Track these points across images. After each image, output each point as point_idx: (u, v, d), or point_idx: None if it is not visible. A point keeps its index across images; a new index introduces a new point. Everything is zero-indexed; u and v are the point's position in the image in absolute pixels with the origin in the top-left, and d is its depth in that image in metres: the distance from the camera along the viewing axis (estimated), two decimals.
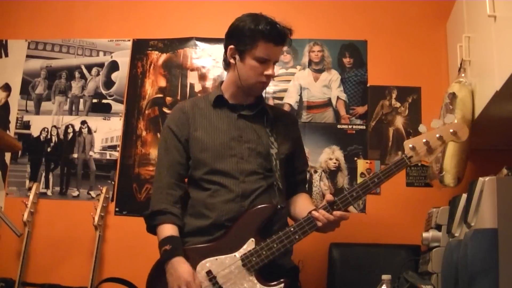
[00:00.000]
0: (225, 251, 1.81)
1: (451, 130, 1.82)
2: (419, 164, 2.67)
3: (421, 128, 1.86)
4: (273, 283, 1.79)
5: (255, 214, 1.84)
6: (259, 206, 1.86)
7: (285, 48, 2.88)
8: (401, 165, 1.83)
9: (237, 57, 1.93)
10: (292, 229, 1.79)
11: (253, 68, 1.91)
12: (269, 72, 1.91)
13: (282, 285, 1.78)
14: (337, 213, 1.79)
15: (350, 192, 1.81)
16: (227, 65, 2.02)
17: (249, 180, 1.89)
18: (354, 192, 1.81)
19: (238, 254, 1.80)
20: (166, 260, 1.81)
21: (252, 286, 1.77)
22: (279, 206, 1.87)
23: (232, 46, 1.94)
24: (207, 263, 1.81)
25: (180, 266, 1.78)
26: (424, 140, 1.82)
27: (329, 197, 1.82)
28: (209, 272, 1.79)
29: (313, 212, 1.80)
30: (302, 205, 2.00)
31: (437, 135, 1.82)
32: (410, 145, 1.83)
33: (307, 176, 2.27)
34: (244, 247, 1.80)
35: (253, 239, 1.81)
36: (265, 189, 1.90)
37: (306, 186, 2.21)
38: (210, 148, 1.93)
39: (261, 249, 1.78)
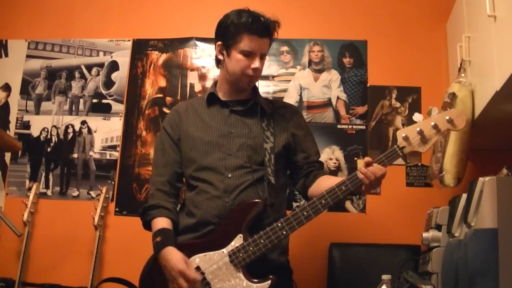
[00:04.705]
0: (214, 247, 1.81)
1: (447, 118, 1.73)
2: (419, 164, 2.67)
3: (416, 116, 1.77)
4: (260, 280, 1.77)
5: (244, 210, 1.84)
6: (249, 202, 1.85)
7: (285, 48, 2.91)
8: (392, 156, 1.76)
9: (224, 52, 1.96)
10: (279, 224, 1.78)
11: (239, 62, 1.91)
12: (255, 65, 1.91)
13: (269, 281, 1.76)
14: (375, 165, 1.73)
15: (339, 186, 1.76)
16: (218, 63, 2.04)
17: (235, 175, 1.89)
18: (343, 186, 1.76)
19: (226, 250, 1.80)
20: (157, 252, 1.82)
21: (239, 283, 1.77)
22: (268, 203, 1.85)
23: (219, 43, 1.98)
24: (197, 259, 1.81)
25: (170, 256, 1.78)
26: (418, 129, 1.74)
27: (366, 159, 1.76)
28: (197, 268, 1.79)
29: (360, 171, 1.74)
30: (328, 181, 1.89)
31: (432, 124, 1.73)
32: (403, 135, 1.75)
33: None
34: (232, 243, 1.80)
35: (241, 235, 1.80)
36: (251, 183, 1.89)
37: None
38: (199, 146, 1.95)
39: (248, 245, 1.78)
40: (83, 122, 2.95)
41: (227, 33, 1.92)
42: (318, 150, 2.11)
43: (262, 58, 1.94)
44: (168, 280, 1.79)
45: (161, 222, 1.89)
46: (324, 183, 1.90)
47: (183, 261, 1.76)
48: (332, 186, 1.78)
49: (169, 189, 1.97)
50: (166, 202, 1.94)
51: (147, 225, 1.94)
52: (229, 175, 1.89)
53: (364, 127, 2.77)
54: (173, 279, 1.76)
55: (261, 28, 1.90)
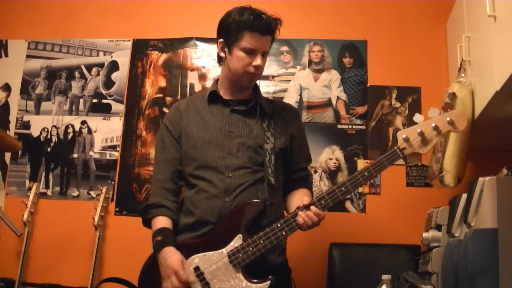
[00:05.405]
0: (213, 247, 1.81)
1: (448, 119, 1.73)
2: (419, 164, 2.67)
3: (417, 117, 1.77)
4: (259, 280, 1.77)
5: (244, 210, 1.83)
6: (248, 202, 1.84)
7: (285, 48, 2.91)
8: (393, 157, 1.77)
9: (226, 50, 1.95)
10: (279, 225, 1.78)
11: (240, 60, 1.90)
12: (256, 63, 1.90)
13: (269, 282, 1.76)
14: (313, 208, 1.76)
15: (339, 187, 1.78)
16: (219, 60, 2.03)
17: (236, 175, 1.88)
18: (343, 187, 1.77)
19: (225, 250, 1.80)
20: (157, 250, 1.82)
21: (238, 283, 1.77)
22: (267, 203, 1.85)
23: (221, 40, 1.96)
24: (196, 259, 1.81)
25: (170, 255, 1.78)
26: (418, 131, 1.74)
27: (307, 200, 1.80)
28: (196, 268, 1.80)
29: (299, 212, 1.78)
30: (295, 201, 1.95)
31: (433, 125, 1.73)
32: (404, 136, 1.75)
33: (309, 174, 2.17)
34: (231, 243, 1.80)
35: (240, 235, 1.80)
36: (251, 183, 1.88)
37: (309, 183, 2.12)
38: (199, 144, 1.94)
39: (248, 246, 1.77)
40: (83, 122, 2.95)
41: (229, 30, 1.91)
42: (310, 156, 2.14)
43: (263, 56, 1.93)
44: (162, 278, 1.79)
45: (162, 221, 1.89)
46: (291, 199, 1.99)
47: (180, 262, 1.77)
48: (333, 188, 1.79)
49: (170, 186, 1.96)
50: (167, 201, 1.93)
51: (147, 223, 1.94)
52: (230, 175, 1.88)
53: (364, 127, 2.77)
54: (167, 277, 1.77)
55: (263, 25, 1.89)
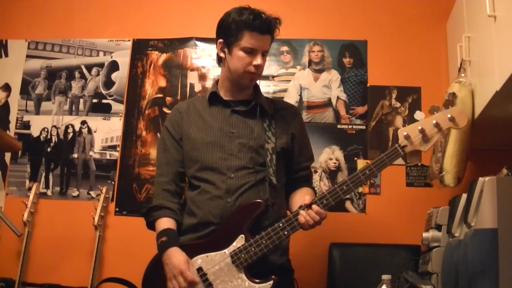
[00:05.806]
0: (216, 248, 1.81)
1: (448, 116, 1.73)
2: (419, 164, 2.67)
3: (417, 115, 1.77)
4: (262, 280, 1.78)
5: (246, 210, 1.83)
6: (250, 202, 1.85)
7: (285, 48, 2.91)
8: (394, 155, 1.76)
9: (226, 50, 1.95)
10: (281, 224, 1.78)
11: (240, 59, 1.90)
12: (257, 62, 1.90)
13: (271, 282, 1.77)
14: (315, 207, 1.76)
15: (340, 186, 1.78)
16: (219, 61, 2.03)
17: (237, 175, 1.89)
18: (345, 186, 1.77)
19: (227, 250, 1.80)
20: (162, 251, 1.82)
21: (241, 283, 1.77)
22: (269, 203, 1.86)
23: (220, 40, 1.97)
24: (198, 260, 1.81)
25: (174, 255, 1.79)
26: (419, 128, 1.73)
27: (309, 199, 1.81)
28: (199, 269, 1.80)
29: (300, 211, 1.78)
30: (298, 200, 1.94)
31: (434, 122, 1.73)
32: (404, 133, 1.75)
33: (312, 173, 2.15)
34: (234, 243, 1.80)
35: (242, 235, 1.80)
36: (253, 184, 1.89)
37: (311, 182, 2.12)
38: (201, 146, 1.95)
39: (250, 246, 1.78)
40: (83, 122, 2.95)
41: (229, 30, 1.91)
42: (312, 154, 2.14)
43: (263, 55, 1.93)
44: (167, 278, 1.80)
45: (166, 223, 1.89)
46: (294, 199, 1.98)
47: (185, 262, 1.78)
48: (334, 187, 1.79)
49: (173, 188, 1.97)
50: (170, 202, 1.94)
51: (151, 225, 1.95)
52: (232, 176, 1.89)
53: (364, 127, 2.77)
54: (172, 277, 1.77)
55: (262, 25, 1.89)
